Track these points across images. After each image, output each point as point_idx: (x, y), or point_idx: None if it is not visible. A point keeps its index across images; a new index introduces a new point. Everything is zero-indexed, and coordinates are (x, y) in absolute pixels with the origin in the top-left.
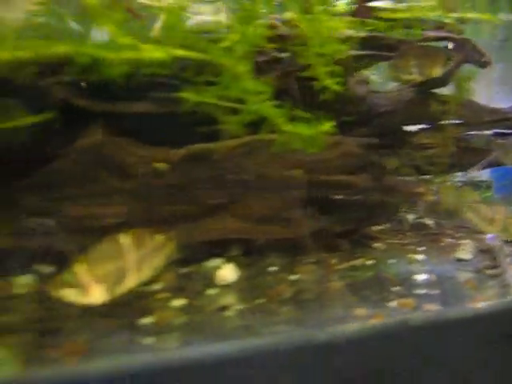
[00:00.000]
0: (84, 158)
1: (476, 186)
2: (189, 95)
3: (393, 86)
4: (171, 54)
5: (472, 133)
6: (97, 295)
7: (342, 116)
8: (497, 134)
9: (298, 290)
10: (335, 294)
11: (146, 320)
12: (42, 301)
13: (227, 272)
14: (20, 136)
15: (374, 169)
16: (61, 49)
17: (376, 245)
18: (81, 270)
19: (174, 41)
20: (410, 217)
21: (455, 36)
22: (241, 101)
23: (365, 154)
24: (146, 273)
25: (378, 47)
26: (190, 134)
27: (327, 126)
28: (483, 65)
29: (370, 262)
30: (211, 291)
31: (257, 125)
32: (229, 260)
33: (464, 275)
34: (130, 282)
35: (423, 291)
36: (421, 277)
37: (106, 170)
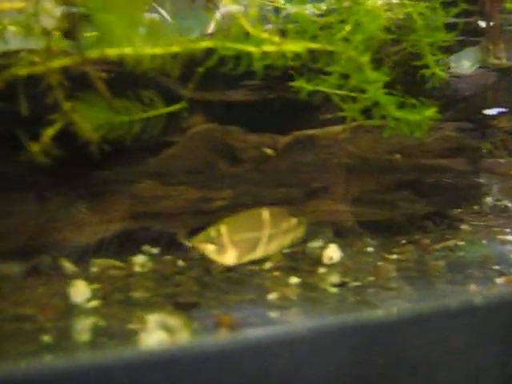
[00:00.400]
0: (197, 144)
1: None
2: (303, 84)
3: (471, 69)
4: (306, 47)
5: None
6: (231, 257)
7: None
8: None
9: (401, 268)
10: (439, 272)
11: (271, 296)
12: (165, 278)
13: (332, 252)
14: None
15: (470, 152)
16: (205, 43)
17: (463, 227)
18: (224, 232)
19: (302, 34)
20: (488, 199)
21: None
22: (357, 89)
23: (461, 138)
24: (273, 248)
25: (466, 32)
26: (284, 121)
27: (431, 111)
28: None
29: (462, 243)
30: (321, 270)
31: (365, 111)
32: (328, 241)
33: None
34: (259, 253)
35: None
36: None
37: (217, 156)
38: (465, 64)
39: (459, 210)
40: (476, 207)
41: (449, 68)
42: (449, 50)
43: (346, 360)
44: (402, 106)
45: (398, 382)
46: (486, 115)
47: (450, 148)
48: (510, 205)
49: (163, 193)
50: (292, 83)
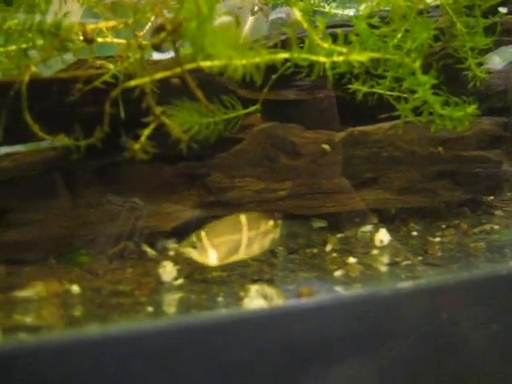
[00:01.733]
0: (261, 140)
1: None
2: (359, 86)
3: (502, 65)
4: (370, 56)
5: None
6: (213, 259)
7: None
8: None
9: (445, 249)
10: (480, 252)
11: (337, 273)
12: None
13: (382, 235)
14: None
15: (504, 144)
16: (283, 55)
17: (497, 212)
18: (204, 237)
19: (364, 44)
20: None
21: None
22: (408, 91)
23: (496, 131)
24: (255, 249)
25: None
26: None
27: (472, 108)
28: None
29: (497, 227)
30: (374, 251)
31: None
32: (376, 226)
33: None
34: (241, 254)
35: None
36: None
37: (279, 151)
38: (495, 59)
39: (492, 198)
40: (509, 194)
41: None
42: (486, 50)
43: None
44: (446, 104)
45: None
46: None
47: (487, 140)
48: None
49: (231, 184)
50: (350, 86)
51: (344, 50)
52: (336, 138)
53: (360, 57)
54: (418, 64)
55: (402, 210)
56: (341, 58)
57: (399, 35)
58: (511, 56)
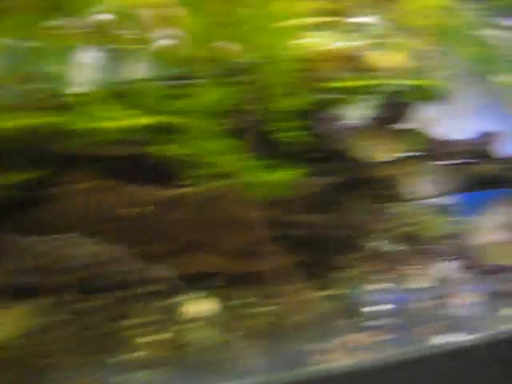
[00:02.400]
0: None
1: (443, 210)
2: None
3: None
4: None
5: None
6: None
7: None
8: None
9: (257, 324)
10: (296, 327)
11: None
12: None
13: (199, 306)
14: None
15: (335, 206)
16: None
17: (340, 275)
18: None
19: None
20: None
21: None
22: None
23: (326, 193)
24: None
25: None
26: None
27: (296, 172)
28: None
29: (337, 292)
30: (185, 326)
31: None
32: (206, 293)
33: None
34: None
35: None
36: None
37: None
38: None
39: (338, 258)
40: (357, 254)
41: (332, 121)
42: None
43: None
44: (265, 168)
45: None
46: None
47: (316, 203)
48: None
49: None
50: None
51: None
52: (154, 200)
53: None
54: (212, 127)
55: (229, 276)
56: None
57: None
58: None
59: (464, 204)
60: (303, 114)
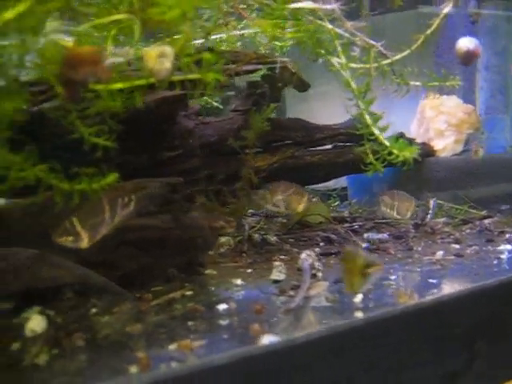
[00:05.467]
0: None
1: (327, 195)
2: None
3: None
4: None
5: None
6: (85, 242)
7: (164, 152)
8: None
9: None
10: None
11: None
12: None
13: (36, 323)
14: None
15: (174, 208)
16: None
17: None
18: (76, 222)
19: None
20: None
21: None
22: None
23: (165, 195)
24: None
25: None
26: None
27: (110, 178)
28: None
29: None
30: (17, 345)
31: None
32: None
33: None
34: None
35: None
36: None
37: None
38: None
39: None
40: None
41: (199, 115)
42: None
43: None
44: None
45: None
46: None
47: (154, 205)
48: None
49: None
50: None
51: None
52: None
53: None
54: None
55: (83, 286)
56: None
57: None
58: None
59: (353, 184)
60: None
